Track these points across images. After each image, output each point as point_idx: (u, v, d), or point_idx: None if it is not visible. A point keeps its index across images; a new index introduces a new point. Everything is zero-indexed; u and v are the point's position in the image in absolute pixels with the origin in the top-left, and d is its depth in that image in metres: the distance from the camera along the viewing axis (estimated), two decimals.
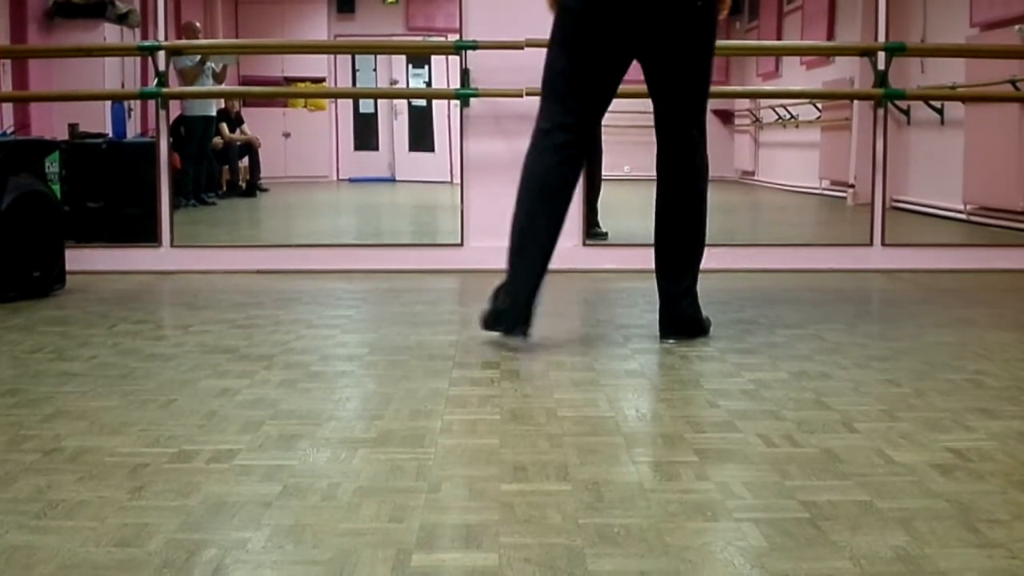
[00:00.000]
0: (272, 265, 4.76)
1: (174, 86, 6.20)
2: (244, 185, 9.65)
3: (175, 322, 3.59)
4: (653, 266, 3.00)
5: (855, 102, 7.13)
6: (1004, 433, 2.05)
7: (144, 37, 7.73)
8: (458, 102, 4.75)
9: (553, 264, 4.60)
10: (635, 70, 2.93)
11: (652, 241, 3.00)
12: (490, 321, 2.92)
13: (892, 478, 1.77)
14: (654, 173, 2.98)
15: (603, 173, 5.40)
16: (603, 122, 3.03)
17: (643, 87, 2.96)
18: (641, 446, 1.98)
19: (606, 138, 5.25)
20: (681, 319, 3.00)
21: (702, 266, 3.03)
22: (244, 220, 8.16)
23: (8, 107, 6.22)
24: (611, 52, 2.85)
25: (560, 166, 2.88)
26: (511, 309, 2.88)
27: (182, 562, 1.42)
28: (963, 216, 6.42)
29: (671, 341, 2.97)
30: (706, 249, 3.01)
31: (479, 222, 4.78)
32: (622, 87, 2.94)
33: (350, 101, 11.71)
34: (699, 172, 2.95)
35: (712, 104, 3.04)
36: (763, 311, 3.56)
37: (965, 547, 1.47)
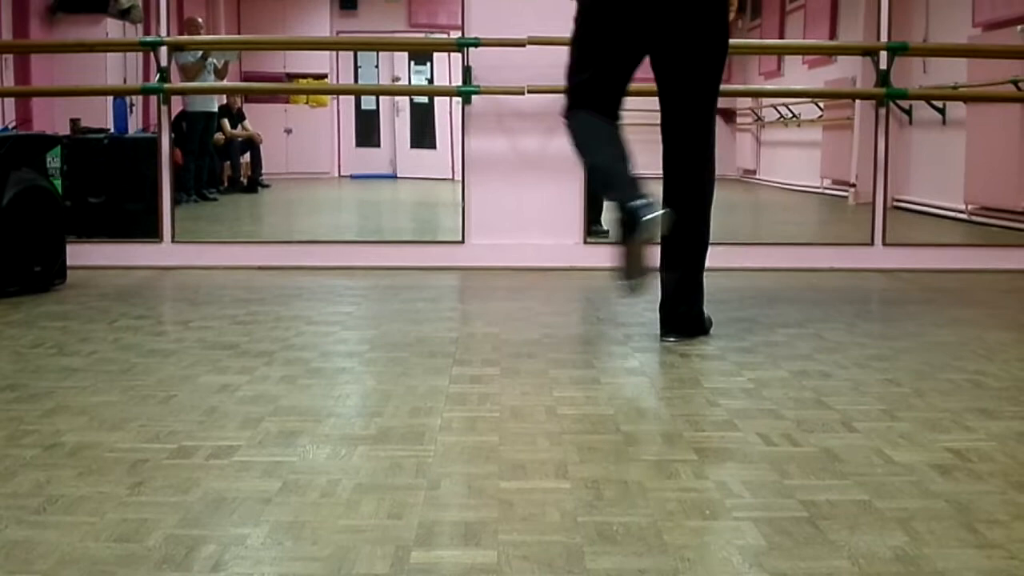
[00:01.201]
0: (273, 261, 4.76)
1: (176, 82, 6.20)
2: (245, 181, 9.66)
3: (176, 318, 3.59)
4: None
5: (857, 101, 7.12)
6: (1004, 433, 2.05)
7: (146, 33, 7.73)
8: (460, 99, 4.75)
9: (553, 262, 4.65)
10: (643, 68, 2.92)
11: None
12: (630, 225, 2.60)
13: (891, 478, 1.77)
14: (653, 171, 2.97)
15: None
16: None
17: (646, 85, 2.96)
18: (640, 444, 1.98)
19: None
20: (682, 317, 2.99)
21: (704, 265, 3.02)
22: (245, 216, 8.16)
23: (10, 102, 6.21)
24: (622, 46, 2.83)
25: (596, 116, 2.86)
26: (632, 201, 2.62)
27: (181, 558, 1.42)
28: (964, 216, 6.41)
29: (671, 339, 2.97)
30: (708, 247, 3.00)
31: (480, 219, 4.78)
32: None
33: (352, 98, 11.72)
34: (705, 172, 2.95)
35: None
36: (763, 310, 3.56)
37: (964, 547, 1.47)
